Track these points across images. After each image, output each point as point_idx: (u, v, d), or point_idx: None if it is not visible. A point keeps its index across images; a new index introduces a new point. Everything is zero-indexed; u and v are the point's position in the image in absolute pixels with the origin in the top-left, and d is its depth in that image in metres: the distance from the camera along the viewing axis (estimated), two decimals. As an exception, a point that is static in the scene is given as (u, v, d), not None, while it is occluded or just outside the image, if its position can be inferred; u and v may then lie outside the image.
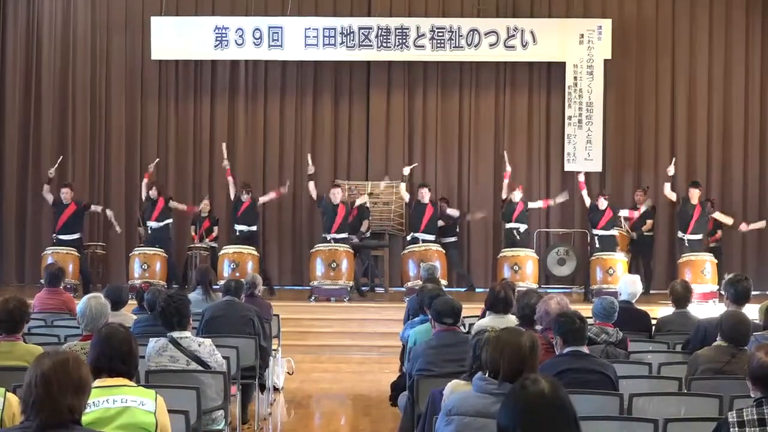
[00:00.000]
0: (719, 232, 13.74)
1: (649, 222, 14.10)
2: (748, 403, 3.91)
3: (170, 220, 13.54)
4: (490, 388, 3.73)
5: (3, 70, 15.35)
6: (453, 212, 13.91)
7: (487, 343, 4.03)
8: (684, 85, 15.17)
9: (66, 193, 13.35)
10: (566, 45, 14.62)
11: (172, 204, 13.69)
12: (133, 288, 11.47)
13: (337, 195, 13.04)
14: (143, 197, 13.67)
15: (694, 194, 13.02)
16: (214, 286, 9.48)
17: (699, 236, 12.93)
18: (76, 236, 13.20)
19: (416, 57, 14.82)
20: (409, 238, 13.41)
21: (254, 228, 13.50)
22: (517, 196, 13.34)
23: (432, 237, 13.19)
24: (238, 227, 13.35)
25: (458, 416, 3.70)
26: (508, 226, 13.31)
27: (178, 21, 14.92)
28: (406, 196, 13.58)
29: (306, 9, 15.08)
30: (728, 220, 13.42)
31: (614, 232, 13.13)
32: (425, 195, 13.35)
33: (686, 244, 12.86)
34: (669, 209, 14.92)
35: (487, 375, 3.85)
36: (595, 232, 13.08)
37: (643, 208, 13.64)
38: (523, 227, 13.26)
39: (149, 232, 13.35)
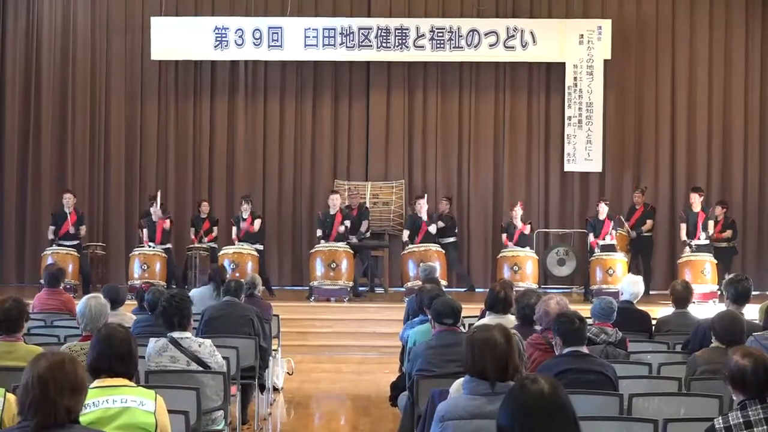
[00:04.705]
0: (729, 231, 13.74)
1: (649, 222, 14.10)
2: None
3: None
4: (480, 389, 3.73)
5: (3, 70, 15.35)
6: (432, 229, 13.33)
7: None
8: (684, 85, 15.17)
9: (68, 199, 13.35)
10: (566, 45, 14.62)
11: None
12: (134, 288, 11.47)
13: (336, 202, 13.05)
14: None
15: (696, 199, 13.05)
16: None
17: (706, 242, 13.01)
18: (76, 242, 13.25)
19: (416, 57, 14.82)
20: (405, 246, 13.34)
21: (260, 247, 13.36)
22: (518, 214, 13.30)
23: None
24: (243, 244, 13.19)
25: (452, 421, 3.69)
26: (510, 246, 13.22)
27: (178, 21, 14.91)
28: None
29: (306, 9, 15.08)
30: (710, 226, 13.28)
31: (613, 241, 13.10)
32: (422, 208, 13.17)
33: (694, 250, 12.86)
34: (669, 209, 14.96)
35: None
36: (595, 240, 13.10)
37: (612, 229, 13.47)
38: (522, 252, 13.15)
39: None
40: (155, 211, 13.30)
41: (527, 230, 13.36)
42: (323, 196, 14.32)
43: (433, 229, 13.19)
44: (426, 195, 13.63)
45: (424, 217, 13.16)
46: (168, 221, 13.43)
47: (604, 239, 13.02)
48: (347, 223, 13.09)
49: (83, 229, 13.42)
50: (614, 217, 13.42)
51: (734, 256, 13.93)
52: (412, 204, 13.68)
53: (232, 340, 6.98)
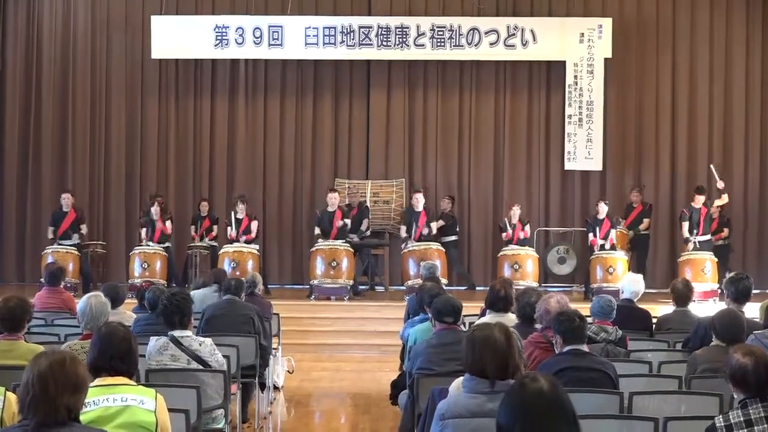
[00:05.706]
0: (726, 230, 13.77)
1: (646, 221, 14.12)
2: (747, 402, 3.90)
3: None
4: (480, 387, 3.73)
5: (3, 70, 15.34)
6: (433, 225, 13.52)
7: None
8: (684, 83, 15.16)
9: (66, 199, 13.37)
10: (566, 44, 14.62)
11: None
12: (134, 287, 11.47)
13: (334, 201, 13.06)
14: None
15: (699, 200, 13.07)
16: None
17: (707, 237, 13.05)
18: (75, 241, 13.24)
19: (416, 56, 14.82)
20: (403, 246, 13.36)
21: (255, 247, 13.32)
22: (515, 215, 13.28)
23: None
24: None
25: (452, 419, 3.69)
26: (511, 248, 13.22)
27: (178, 20, 14.91)
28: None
29: (306, 8, 15.07)
30: (724, 200, 13.46)
31: (612, 243, 13.08)
32: (419, 202, 13.29)
33: (697, 246, 12.87)
34: (669, 208, 14.95)
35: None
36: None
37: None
38: (522, 250, 13.15)
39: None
40: (155, 210, 13.28)
41: (527, 233, 13.32)
42: (324, 194, 14.31)
43: (425, 231, 13.18)
44: (423, 189, 13.67)
45: (419, 208, 13.18)
46: (168, 223, 13.32)
47: (604, 239, 13.01)
48: (347, 220, 13.09)
49: (84, 228, 13.41)
50: (614, 217, 13.42)
51: (730, 254, 13.95)
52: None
53: (233, 338, 6.98)
